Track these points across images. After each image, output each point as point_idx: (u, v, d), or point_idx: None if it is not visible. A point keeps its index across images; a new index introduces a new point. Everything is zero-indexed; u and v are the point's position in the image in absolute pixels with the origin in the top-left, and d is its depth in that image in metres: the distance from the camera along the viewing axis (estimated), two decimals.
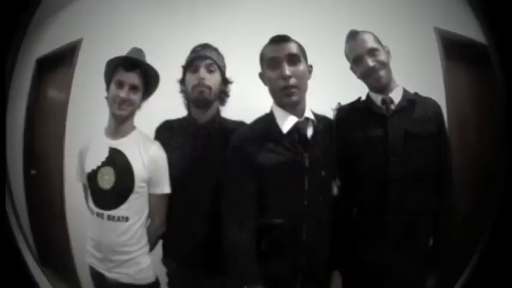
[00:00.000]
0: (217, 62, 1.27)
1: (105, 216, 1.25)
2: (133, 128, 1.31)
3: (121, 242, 1.25)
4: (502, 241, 1.10)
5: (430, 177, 1.22)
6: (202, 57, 1.26)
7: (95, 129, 1.34)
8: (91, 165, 1.27)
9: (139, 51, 1.29)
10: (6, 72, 1.28)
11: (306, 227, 1.14)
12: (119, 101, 1.24)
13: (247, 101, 1.31)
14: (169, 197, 1.30)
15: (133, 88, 1.25)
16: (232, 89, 1.32)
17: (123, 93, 1.23)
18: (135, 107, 1.28)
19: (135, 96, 1.26)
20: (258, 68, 1.20)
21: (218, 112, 1.32)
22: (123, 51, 1.27)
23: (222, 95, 1.31)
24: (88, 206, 1.31)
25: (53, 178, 1.39)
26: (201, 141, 1.29)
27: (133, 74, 1.24)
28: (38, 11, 1.31)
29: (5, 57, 1.27)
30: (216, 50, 1.29)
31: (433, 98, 1.29)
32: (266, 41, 1.17)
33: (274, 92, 1.17)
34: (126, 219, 1.25)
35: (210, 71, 1.26)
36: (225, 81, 1.31)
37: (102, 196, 1.26)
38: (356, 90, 1.29)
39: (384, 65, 1.23)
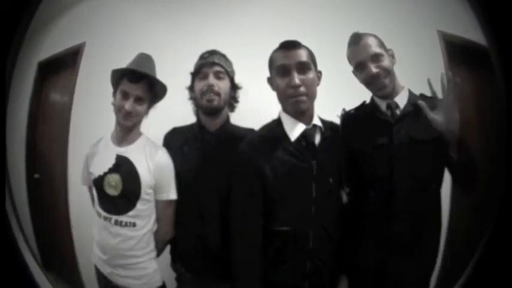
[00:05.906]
0: (226, 68, 1.26)
1: (113, 220, 1.25)
2: (139, 134, 1.31)
3: (128, 246, 1.26)
4: (502, 241, 1.14)
5: (436, 181, 1.23)
6: (211, 64, 1.25)
7: (99, 133, 1.33)
8: (98, 170, 1.27)
9: (147, 58, 1.26)
10: (6, 74, 1.26)
11: (313, 235, 1.15)
12: (124, 112, 1.23)
13: (257, 107, 1.30)
14: (178, 203, 1.30)
15: (138, 100, 1.24)
16: (242, 95, 1.31)
17: (128, 105, 1.22)
18: (140, 117, 1.27)
19: (141, 108, 1.25)
20: (267, 73, 1.20)
21: (228, 119, 1.32)
22: (127, 55, 1.25)
23: (232, 101, 1.30)
24: (95, 209, 1.30)
25: (57, 182, 1.38)
26: (210, 149, 1.29)
27: (139, 85, 1.23)
28: (37, 13, 1.28)
29: (4, 59, 1.25)
30: (224, 56, 1.27)
31: None
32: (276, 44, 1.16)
33: (282, 99, 1.17)
34: (134, 224, 1.25)
35: (219, 78, 1.25)
36: (234, 87, 1.30)
37: (109, 202, 1.26)
38: (361, 94, 1.27)
39: (388, 72, 1.22)
